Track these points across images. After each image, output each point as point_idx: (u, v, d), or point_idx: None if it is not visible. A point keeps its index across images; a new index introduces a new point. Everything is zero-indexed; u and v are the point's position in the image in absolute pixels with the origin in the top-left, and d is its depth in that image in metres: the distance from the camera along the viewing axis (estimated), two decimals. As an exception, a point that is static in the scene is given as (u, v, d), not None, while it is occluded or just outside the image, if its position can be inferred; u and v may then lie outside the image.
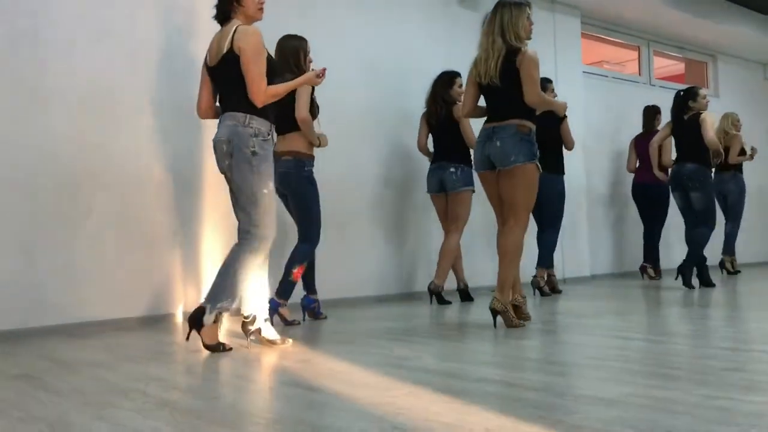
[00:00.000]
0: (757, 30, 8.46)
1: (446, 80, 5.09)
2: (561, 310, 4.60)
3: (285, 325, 3.97)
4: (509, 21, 3.76)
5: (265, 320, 3.22)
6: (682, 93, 5.90)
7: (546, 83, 5.04)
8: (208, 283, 4.42)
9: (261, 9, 3.23)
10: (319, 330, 3.87)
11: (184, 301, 4.33)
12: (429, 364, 2.79)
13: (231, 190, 3.20)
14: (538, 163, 3.72)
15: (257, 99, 3.06)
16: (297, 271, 3.99)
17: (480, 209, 5.11)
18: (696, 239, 5.66)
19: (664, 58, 8.89)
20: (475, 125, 4.21)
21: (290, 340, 3.29)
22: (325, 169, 5.04)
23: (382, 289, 5.38)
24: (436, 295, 5.02)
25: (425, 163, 5.24)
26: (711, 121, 5.66)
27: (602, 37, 7.80)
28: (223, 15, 3.19)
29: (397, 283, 5.49)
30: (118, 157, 4.15)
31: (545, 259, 5.54)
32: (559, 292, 5.61)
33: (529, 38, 3.80)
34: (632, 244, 7.50)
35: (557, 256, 6.59)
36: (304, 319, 4.16)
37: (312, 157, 4.09)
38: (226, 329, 3.47)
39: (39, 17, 3.93)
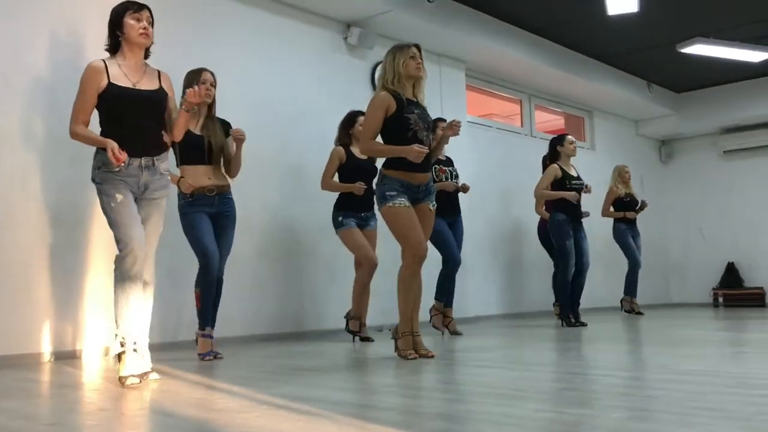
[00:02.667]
0: (627, 89, 9.17)
1: (346, 120, 5.20)
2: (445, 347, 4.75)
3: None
4: (389, 63, 3.93)
5: (133, 349, 3.09)
6: (554, 139, 6.36)
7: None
8: (82, 321, 4.36)
9: (143, 34, 3.25)
10: (199, 364, 3.84)
11: (53, 339, 4.19)
12: (293, 391, 2.85)
13: None
14: (392, 204, 3.82)
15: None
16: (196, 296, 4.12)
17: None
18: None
19: (545, 112, 9.46)
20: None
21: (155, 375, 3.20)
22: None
23: (286, 327, 5.42)
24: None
25: (325, 202, 5.27)
26: (552, 173, 6.07)
27: (486, 90, 8.24)
28: (111, 45, 3.30)
29: (301, 321, 5.54)
30: (-11, 190, 4.04)
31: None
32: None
33: (414, 75, 3.92)
34: (523, 286, 7.88)
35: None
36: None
37: (187, 189, 4.07)
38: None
39: None
